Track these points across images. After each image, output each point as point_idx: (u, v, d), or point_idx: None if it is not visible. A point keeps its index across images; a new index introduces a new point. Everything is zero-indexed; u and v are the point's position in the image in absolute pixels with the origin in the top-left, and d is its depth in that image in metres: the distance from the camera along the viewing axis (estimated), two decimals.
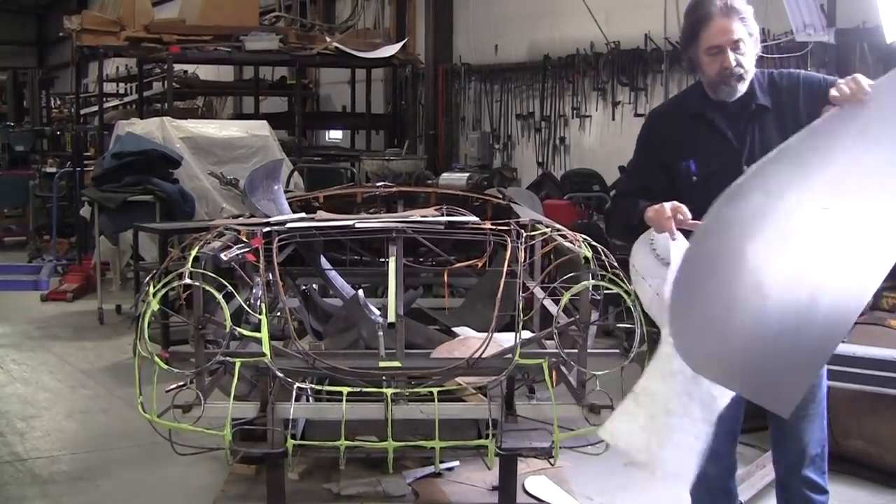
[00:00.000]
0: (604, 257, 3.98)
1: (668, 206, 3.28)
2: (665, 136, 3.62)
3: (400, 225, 4.47)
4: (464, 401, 4.09)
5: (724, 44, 3.37)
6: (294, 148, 11.87)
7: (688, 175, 3.52)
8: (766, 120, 3.47)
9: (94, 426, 6.10)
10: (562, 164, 11.22)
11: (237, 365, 3.72)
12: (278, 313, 4.55)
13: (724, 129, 3.50)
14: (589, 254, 3.97)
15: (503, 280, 3.92)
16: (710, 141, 3.52)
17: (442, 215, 4.96)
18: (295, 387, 3.71)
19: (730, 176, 3.26)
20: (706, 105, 3.53)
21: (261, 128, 10.33)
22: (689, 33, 3.47)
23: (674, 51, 9.41)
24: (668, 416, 3.16)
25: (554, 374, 3.90)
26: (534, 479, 4.83)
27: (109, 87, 17.65)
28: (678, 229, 3.23)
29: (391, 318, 3.93)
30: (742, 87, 3.44)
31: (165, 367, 3.73)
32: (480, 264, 4.83)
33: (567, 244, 4.33)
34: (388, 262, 4.33)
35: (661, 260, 3.30)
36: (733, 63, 3.38)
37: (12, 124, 16.73)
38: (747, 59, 3.41)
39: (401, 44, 13.01)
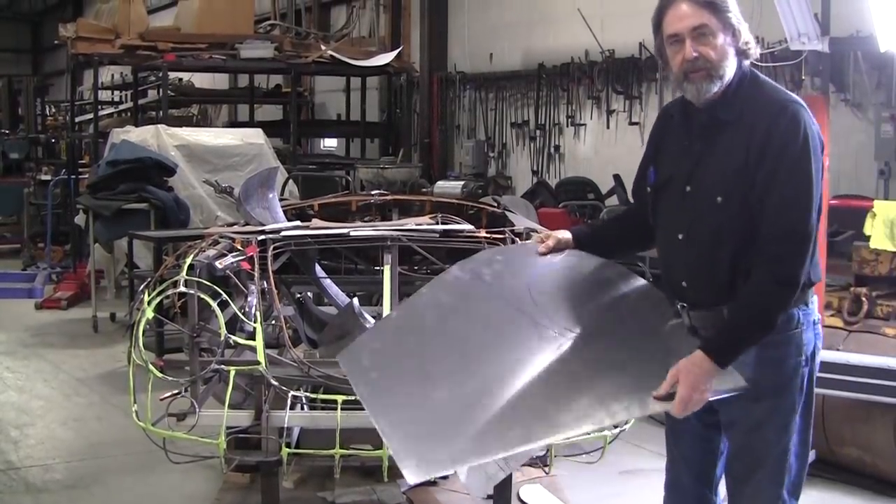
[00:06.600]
0: None
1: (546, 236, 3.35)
2: (655, 133, 3.22)
3: (395, 233, 4.47)
4: None
5: (681, 31, 2.85)
6: (289, 156, 11.86)
7: (648, 183, 3.16)
8: (721, 138, 2.91)
9: (89, 434, 6.08)
10: (556, 173, 11.23)
11: (232, 373, 3.72)
12: (273, 321, 4.55)
13: (681, 140, 3.03)
14: None
15: None
16: (670, 150, 3.09)
17: (437, 224, 4.97)
18: (290, 395, 3.71)
19: (673, 197, 3.01)
20: (682, 108, 3.04)
21: (256, 136, 10.32)
22: (655, 21, 2.97)
23: None
24: None
25: None
26: (528, 488, 4.82)
27: (104, 95, 17.61)
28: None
29: None
30: (709, 88, 2.87)
31: (160, 375, 3.72)
32: None
33: None
34: (382, 271, 4.33)
35: None
36: (692, 55, 2.83)
37: (7, 132, 16.74)
38: (716, 53, 2.84)
39: (396, 52, 13.02)
